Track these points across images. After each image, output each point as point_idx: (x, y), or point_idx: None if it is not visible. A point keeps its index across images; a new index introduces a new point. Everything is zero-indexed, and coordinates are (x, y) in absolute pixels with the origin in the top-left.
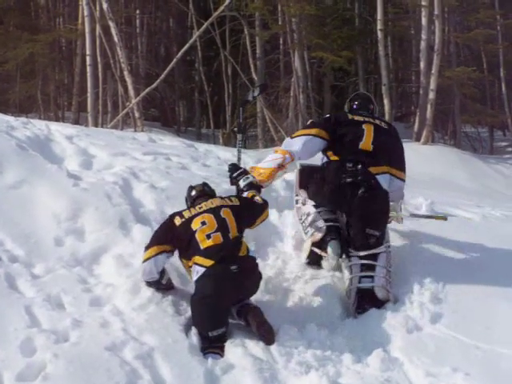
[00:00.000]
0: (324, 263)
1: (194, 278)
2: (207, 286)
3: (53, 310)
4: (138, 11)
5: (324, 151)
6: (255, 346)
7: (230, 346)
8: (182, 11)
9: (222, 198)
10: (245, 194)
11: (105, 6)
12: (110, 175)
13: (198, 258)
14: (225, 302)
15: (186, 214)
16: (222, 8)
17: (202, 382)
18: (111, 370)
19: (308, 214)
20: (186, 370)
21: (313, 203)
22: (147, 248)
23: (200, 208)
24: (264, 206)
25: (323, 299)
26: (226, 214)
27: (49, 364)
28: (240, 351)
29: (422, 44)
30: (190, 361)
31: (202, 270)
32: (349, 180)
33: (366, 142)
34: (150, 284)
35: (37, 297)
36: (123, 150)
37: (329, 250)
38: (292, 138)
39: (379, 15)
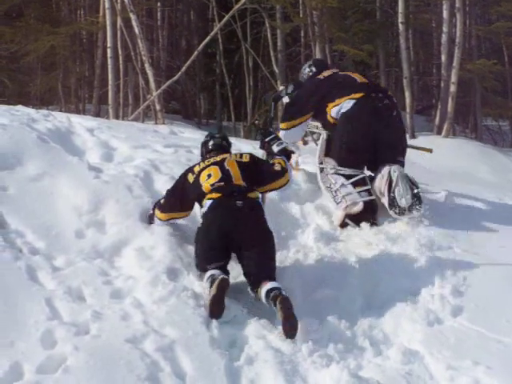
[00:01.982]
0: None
1: (203, 211)
2: (210, 215)
3: (73, 303)
4: (159, 4)
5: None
6: (276, 339)
7: (251, 338)
8: (203, 4)
9: (231, 153)
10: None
11: None
12: (131, 168)
13: (208, 195)
14: (226, 236)
15: (196, 169)
16: (243, 1)
17: (223, 374)
18: (132, 363)
19: (341, 185)
20: (206, 363)
21: (341, 171)
22: (160, 210)
23: (208, 162)
24: (279, 173)
25: (343, 292)
26: (230, 164)
27: (69, 356)
28: (261, 344)
29: (444, 37)
30: (211, 353)
31: (210, 202)
32: (384, 102)
33: (361, 78)
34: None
35: (57, 289)
36: (144, 142)
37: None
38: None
39: (400, 8)
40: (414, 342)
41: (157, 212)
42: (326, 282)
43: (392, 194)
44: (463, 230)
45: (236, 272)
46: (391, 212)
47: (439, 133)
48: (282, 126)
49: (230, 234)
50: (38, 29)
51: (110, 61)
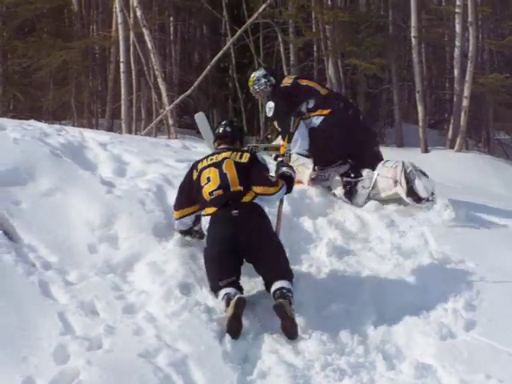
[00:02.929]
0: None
1: (205, 228)
2: (211, 233)
3: (86, 317)
4: (171, 18)
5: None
6: (289, 353)
7: (263, 353)
8: (216, 18)
9: (234, 150)
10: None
11: (138, 13)
12: (143, 182)
13: (206, 210)
14: (230, 249)
15: (199, 166)
16: (255, 15)
17: None
18: (144, 377)
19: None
20: (219, 377)
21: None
22: (174, 208)
23: (211, 160)
24: (272, 182)
25: (356, 306)
26: (227, 167)
27: (82, 371)
28: (274, 358)
29: (456, 51)
30: (224, 368)
31: (208, 218)
32: (349, 112)
33: (322, 89)
34: (182, 232)
35: (70, 304)
36: (157, 156)
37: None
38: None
39: (413, 22)
40: (426, 355)
41: (173, 212)
42: (339, 296)
43: (410, 185)
44: (476, 245)
45: (248, 286)
46: (408, 199)
47: (452, 147)
48: (286, 143)
49: (233, 245)
50: (51, 43)
51: (122, 75)
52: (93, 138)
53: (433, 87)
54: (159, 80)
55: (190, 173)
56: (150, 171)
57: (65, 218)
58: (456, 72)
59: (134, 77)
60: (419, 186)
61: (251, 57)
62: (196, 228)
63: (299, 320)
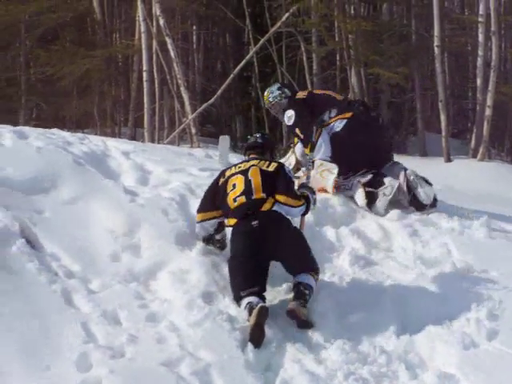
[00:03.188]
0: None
1: (229, 239)
2: (234, 244)
3: (109, 326)
4: (194, 27)
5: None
6: (311, 362)
7: (286, 362)
8: (239, 27)
9: (262, 159)
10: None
11: (161, 22)
12: (166, 191)
13: (228, 220)
14: (252, 259)
15: (227, 173)
16: (278, 24)
17: None
18: None
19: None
20: None
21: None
22: (197, 211)
23: (239, 168)
24: (297, 195)
25: (379, 315)
26: (253, 173)
27: (104, 380)
28: (297, 367)
29: (479, 60)
30: (246, 377)
31: (230, 229)
32: (372, 115)
33: (337, 95)
34: (204, 240)
35: (93, 312)
36: (179, 165)
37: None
38: None
39: (436, 31)
40: (449, 365)
41: (196, 216)
42: (361, 306)
43: (413, 192)
44: (499, 254)
45: (271, 295)
46: (411, 207)
47: (475, 156)
48: (308, 151)
49: (255, 254)
50: (74, 52)
51: (145, 84)
52: (116, 147)
53: (455, 96)
54: (182, 89)
55: (217, 179)
56: (172, 180)
57: (88, 226)
58: (479, 81)
59: (156, 85)
60: (421, 193)
61: (274, 66)
62: (217, 237)
63: (322, 328)
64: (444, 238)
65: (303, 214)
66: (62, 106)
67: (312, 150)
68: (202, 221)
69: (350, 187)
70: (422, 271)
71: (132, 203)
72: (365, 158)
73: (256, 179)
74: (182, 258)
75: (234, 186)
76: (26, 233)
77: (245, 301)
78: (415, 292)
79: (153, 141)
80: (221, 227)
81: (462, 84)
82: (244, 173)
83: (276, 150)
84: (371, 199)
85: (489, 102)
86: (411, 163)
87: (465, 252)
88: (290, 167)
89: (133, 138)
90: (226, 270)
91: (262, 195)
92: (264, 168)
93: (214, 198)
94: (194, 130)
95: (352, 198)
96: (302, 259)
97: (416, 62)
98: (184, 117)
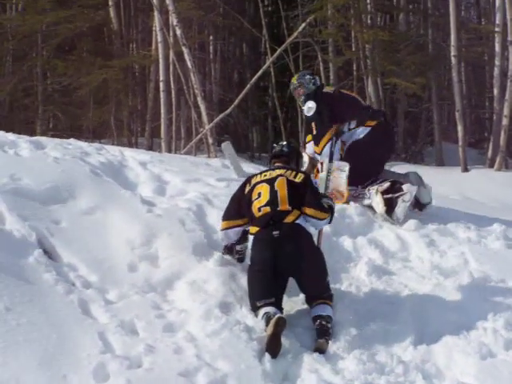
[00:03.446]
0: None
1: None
2: (253, 252)
3: (126, 336)
4: (211, 37)
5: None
6: (328, 372)
7: (303, 372)
8: (256, 37)
9: (288, 169)
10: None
11: (178, 32)
12: (183, 201)
13: (251, 228)
14: (271, 270)
15: (253, 181)
16: (295, 34)
17: None
18: None
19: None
20: None
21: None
22: (222, 218)
23: (264, 176)
24: (323, 208)
25: (396, 325)
26: (279, 185)
27: None
28: (314, 378)
29: (496, 70)
30: None
31: (252, 237)
32: (392, 127)
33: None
34: (225, 249)
35: (110, 322)
36: (197, 176)
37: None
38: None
39: (453, 41)
40: (466, 375)
41: (220, 223)
42: (379, 316)
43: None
44: None
45: (288, 306)
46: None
47: (491, 166)
48: (317, 149)
49: (274, 265)
50: (91, 62)
51: (162, 94)
52: (133, 157)
53: (472, 106)
54: (199, 99)
55: (242, 186)
56: (190, 190)
57: (105, 236)
58: (496, 91)
59: (173, 95)
60: (422, 193)
61: (291, 76)
62: (238, 247)
63: (339, 339)
64: (461, 247)
65: (329, 223)
66: (79, 116)
67: (321, 148)
68: (227, 228)
69: (368, 196)
70: (439, 281)
71: (149, 213)
72: (379, 168)
73: (282, 191)
74: (200, 268)
75: (260, 194)
76: (44, 243)
77: (262, 311)
78: (432, 302)
79: (170, 151)
80: (243, 238)
81: (478, 94)
82: (270, 182)
83: (301, 159)
84: (390, 206)
85: (506, 111)
86: (428, 173)
87: (482, 262)
88: (305, 165)
89: (150, 148)
90: (243, 280)
91: (288, 207)
92: (291, 178)
93: (239, 205)
94: (211, 140)
95: (370, 206)
96: (318, 284)
97: (433, 71)
98: (201, 127)
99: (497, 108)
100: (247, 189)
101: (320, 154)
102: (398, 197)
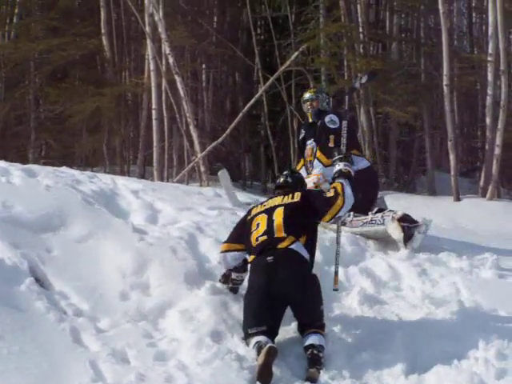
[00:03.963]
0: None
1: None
2: (249, 280)
3: (117, 365)
4: (204, 65)
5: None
6: None
7: None
8: (248, 66)
9: (287, 195)
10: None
11: (171, 60)
12: (175, 230)
13: (249, 257)
14: (264, 296)
15: (254, 211)
16: (288, 63)
17: None
18: None
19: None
20: None
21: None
22: (224, 241)
23: (264, 206)
24: (332, 199)
25: (387, 355)
26: (277, 215)
27: None
28: None
29: (488, 99)
30: None
31: (249, 267)
32: None
33: None
34: (223, 277)
35: (101, 351)
36: (189, 204)
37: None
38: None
39: (445, 70)
40: None
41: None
42: (370, 345)
43: None
44: (508, 293)
45: (280, 334)
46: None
47: (484, 195)
48: (326, 161)
49: (268, 292)
50: (83, 90)
51: (154, 122)
52: (125, 186)
53: (465, 135)
54: (191, 127)
55: (245, 216)
56: (182, 219)
57: (97, 265)
58: (488, 120)
59: (166, 124)
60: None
61: (283, 104)
62: (234, 276)
63: (330, 368)
64: (453, 277)
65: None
66: (72, 143)
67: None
68: (225, 251)
69: (382, 222)
70: (431, 311)
71: (141, 242)
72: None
73: (278, 219)
74: (191, 297)
75: (258, 225)
76: (35, 271)
77: (254, 340)
78: (424, 331)
79: (162, 179)
80: (242, 268)
81: (471, 123)
82: (268, 212)
83: (305, 186)
84: (408, 236)
85: (498, 140)
86: (420, 202)
87: (474, 291)
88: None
89: (142, 176)
90: (234, 308)
91: (283, 234)
92: (289, 201)
93: (241, 232)
94: (203, 169)
95: (380, 232)
96: (311, 312)
97: (425, 100)
98: (193, 155)
99: (489, 137)
100: (248, 219)
101: (324, 166)
102: (413, 227)
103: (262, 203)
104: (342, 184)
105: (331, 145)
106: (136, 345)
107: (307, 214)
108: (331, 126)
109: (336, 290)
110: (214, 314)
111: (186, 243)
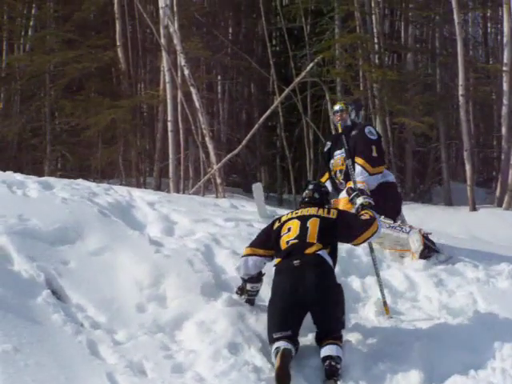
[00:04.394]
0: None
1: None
2: (274, 283)
3: (135, 377)
4: (219, 77)
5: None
6: None
7: None
8: (264, 77)
9: (322, 207)
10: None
11: (186, 72)
12: (191, 242)
13: (276, 260)
14: (289, 300)
15: (284, 218)
16: (303, 74)
17: None
18: None
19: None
20: None
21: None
22: (248, 245)
23: (296, 214)
24: (368, 222)
25: (404, 366)
26: (311, 223)
27: None
28: None
29: (504, 109)
30: None
31: (274, 269)
32: None
33: None
34: (238, 289)
35: (119, 363)
36: (205, 216)
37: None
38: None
39: (461, 81)
40: None
41: (243, 250)
42: (387, 356)
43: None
44: None
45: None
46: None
47: (500, 205)
48: (371, 169)
49: (292, 296)
50: (99, 102)
51: (170, 134)
52: (141, 198)
53: (480, 145)
54: (207, 139)
55: (271, 223)
56: (198, 230)
57: (113, 277)
58: (504, 130)
59: (181, 135)
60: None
61: (299, 115)
62: (249, 287)
63: (347, 379)
64: (469, 287)
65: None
66: (87, 156)
67: (374, 172)
68: (248, 255)
69: (407, 231)
70: (448, 321)
71: (157, 254)
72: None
73: (314, 228)
74: (208, 309)
75: (290, 229)
76: (52, 284)
77: (275, 345)
78: (441, 342)
79: (178, 191)
80: (257, 278)
81: (486, 133)
82: (302, 219)
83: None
84: (425, 251)
85: None
86: (436, 212)
87: (490, 301)
88: None
89: (158, 187)
90: (251, 320)
91: (315, 242)
92: (325, 215)
93: (266, 238)
94: (219, 180)
95: (396, 238)
96: (333, 321)
97: (441, 111)
98: (209, 167)
99: (505, 147)
100: (276, 225)
101: (369, 175)
102: (434, 251)
103: (291, 211)
104: (373, 212)
105: (375, 154)
106: (153, 357)
107: (341, 232)
108: (372, 137)
109: (390, 317)
110: (230, 325)
111: (202, 255)
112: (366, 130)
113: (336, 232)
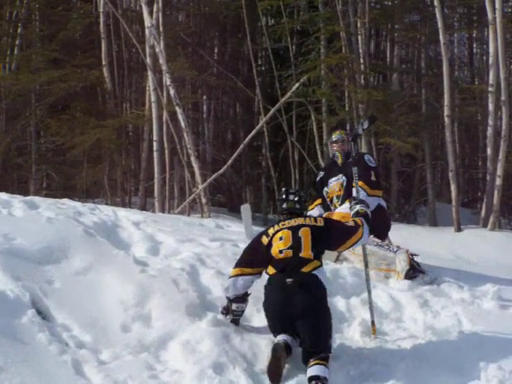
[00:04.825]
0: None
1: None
2: (266, 296)
3: None
4: (204, 97)
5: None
6: None
7: None
8: (249, 97)
9: (307, 217)
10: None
11: (172, 92)
12: (177, 261)
13: (269, 268)
14: (280, 314)
15: (271, 232)
16: (288, 94)
17: None
18: None
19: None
20: None
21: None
22: (234, 266)
23: (283, 225)
24: (353, 229)
25: None
26: (303, 232)
27: None
28: None
29: (489, 130)
30: None
31: (267, 276)
32: None
33: None
34: (223, 309)
35: (104, 383)
36: (190, 236)
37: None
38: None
39: (446, 101)
40: None
41: (230, 272)
42: (372, 377)
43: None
44: (509, 324)
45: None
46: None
47: (485, 225)
48: (370, 191)
49: (282, 312)
50: (84, 122)
51: (155, 154)
52: (126, 217)
53: (466, 166)
54: (192, 158)
55: (258, 237)
56: (183, 250)
57: (98, 297)
58: (489, 151)
59: (167, 155)
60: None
61: (284, 135)
62: (234, 307)
63: None
64: (454, 308)
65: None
66: (73, 175)
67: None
68: (237, 275)
69: (394, 250)
70: (433, 341)
71: (142, 274)
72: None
73: (306, 238)
74: (193, 329)
75: (281, 238)
76: (37, 303)
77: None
78: (426, 362)
79: (163, 211)
80: (243, 298)
81: (472, 153)
82: (292, 229)
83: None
84: (410, 272)
85: (499, 171)
86: (421, 233)
87: (475, 322)
88: None
89: (143, 207)
90: (236, 340)
91: (310, 254)
92: (313, 224)
93: (253, 255)
94: (204, 200)
95: (383, 257)
96: (321, 343)
97: (426, 131)
98: (194, 186)
99: (490, 168)
100: (265, 239)
101: (368, 195)
102: (420, 272)
103: (277, 223)
104: (361, 220)
105: (373, 179)
106: (138, 377)
107: (329, 240)
108: (371, 165)
109: (376, 337)
110: (215, 345)
111: (187, 275)
112: (366, 157)
113: (325, 239)
